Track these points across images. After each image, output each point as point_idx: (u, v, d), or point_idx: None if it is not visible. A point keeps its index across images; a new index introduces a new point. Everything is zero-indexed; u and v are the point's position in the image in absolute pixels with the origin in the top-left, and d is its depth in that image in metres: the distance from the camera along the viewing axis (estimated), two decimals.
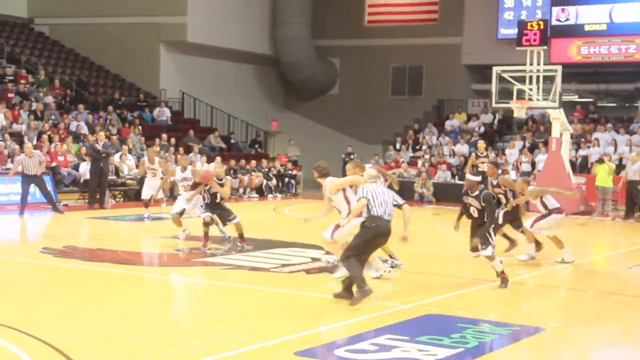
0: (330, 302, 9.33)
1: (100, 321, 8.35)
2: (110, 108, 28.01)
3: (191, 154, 26.51)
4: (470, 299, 10.07)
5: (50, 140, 23.32)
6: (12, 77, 26.90)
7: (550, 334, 8.35)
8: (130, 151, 24.16)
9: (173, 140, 27.02)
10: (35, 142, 23.09)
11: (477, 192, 10.60)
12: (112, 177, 22.30)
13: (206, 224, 13.21)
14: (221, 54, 33.10)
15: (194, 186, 13.84)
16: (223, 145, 29.84)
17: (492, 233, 10.50)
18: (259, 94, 36.19)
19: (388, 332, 8.00)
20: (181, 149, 26.28)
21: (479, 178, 10.93)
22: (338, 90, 36.62)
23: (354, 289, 9.17)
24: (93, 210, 20.00)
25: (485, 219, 10.48)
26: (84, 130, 25.45)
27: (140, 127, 27.50)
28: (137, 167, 22.52)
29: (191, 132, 29.21)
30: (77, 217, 18.65)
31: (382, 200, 9.33)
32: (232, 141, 31.08)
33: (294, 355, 7.19)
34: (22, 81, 27.20)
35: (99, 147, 20.98)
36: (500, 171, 15.08)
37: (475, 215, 10.60)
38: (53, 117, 25.63)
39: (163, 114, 29.98)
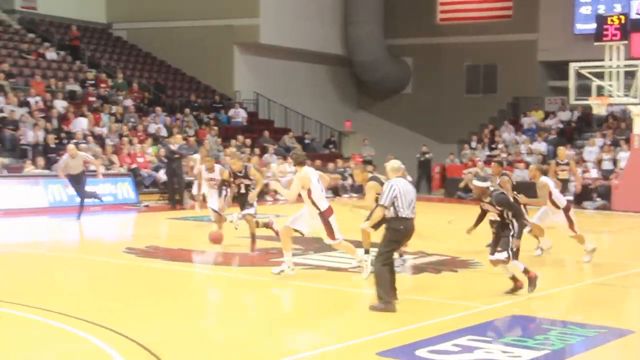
0: (410, 302, 9.29)
1: (184, 320, 8.51)
2: (187, 110, 28.52)
3: (266, 155, 26.81)
4: (553, 300, 9.90)
5: (130, 142, 23.88)
6: (93, 82, 27.64)
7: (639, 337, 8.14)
8: (207, 152, 24.50)
9: (248, 141, 27.33)
10: (115, 144, 23.70)
11: (489, 199, 9.81)
12: (191, 178, 22.65)
13: (264, 225, 13.46)
14: (294, 54, 33.32)
15: (221, 184, 14.10)
16: (298, 146, 30.02)
17: (511, 239, 9.61)
18: (332, 94, 36.29)
19: (470, 333, 7.93)
20: (257, 150, 26.59)
21: (487, 184, 9.92)
22: (411, 89, 36.45)
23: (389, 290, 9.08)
24: (174, 210, 20.36)
25: (508, 220, 9.65)
26: (163, 132, 25.96)
27: (216, 129, 27.91)
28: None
29: (266, 132, 29.49)
30: (157, 218, 19.03)
31: (410, 199, 8.99)
32: (307, 141, 31.25)
33: (376, 356, 7.19)
34: (102, 85, 27.91)
35: (174, 147, 21.36)
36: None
37: (498, 218, 9.88)
38: (132, 119, 26.23)
39: (238, 115, 30.37)
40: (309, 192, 10.45)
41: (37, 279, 11.14)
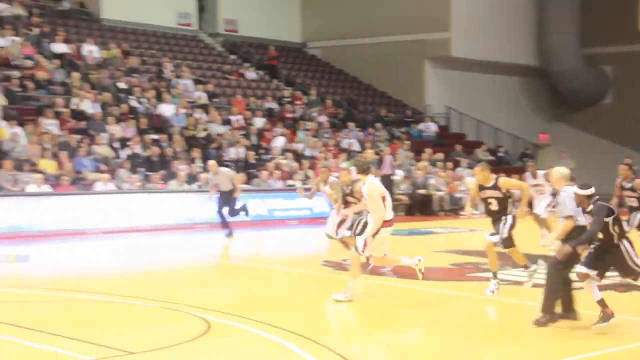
0: (622, 322, 8.78)
1: (386, 334, 8.55)
2: (379, 125, 28.83)
3: (459, 168, 26.54)
4: None
5: (325, 158, 24.46)
6: (289, 99, 28.63)
7: None
8: (400, 167, 24.65)
9: (440, 155, 27.18)
10: (312, 158, 24.38)
11: (590, 209, 8.33)
12: None
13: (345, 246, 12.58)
14: (485, 67, 32.83)
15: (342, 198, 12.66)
16: (491, 159, 29.49)
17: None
18: (526, 106, 35.41)
19: None
20: (449, 164, 26.39)
21: (590, 191, 8.32)
22: (612, 99, 34.85)
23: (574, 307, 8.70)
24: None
25: (617, 242, 8.30)
26: (355, 147, 26.40)
27: (408, 143, 28.00)
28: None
29: (458, 146, 29.20)
30: None
31: (580, 208, 8.42)
32: (500, 154, 30.63)
33: None
34: (298, 102, 28.83)
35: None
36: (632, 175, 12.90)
37: (600, 236, 8.32)
38: (326, 135, 26.87)
39: (429, 129, 30.33)
40: (383, 199, 9.75)
41: (241, 289, 11.64)
